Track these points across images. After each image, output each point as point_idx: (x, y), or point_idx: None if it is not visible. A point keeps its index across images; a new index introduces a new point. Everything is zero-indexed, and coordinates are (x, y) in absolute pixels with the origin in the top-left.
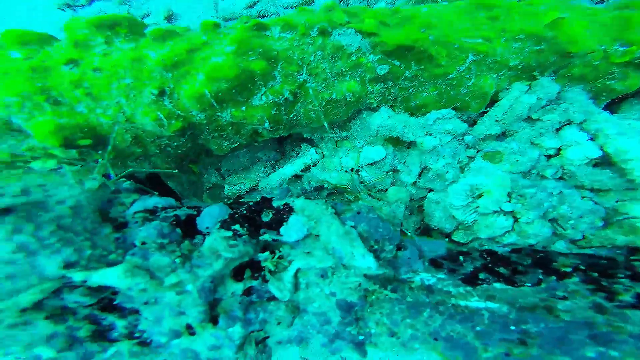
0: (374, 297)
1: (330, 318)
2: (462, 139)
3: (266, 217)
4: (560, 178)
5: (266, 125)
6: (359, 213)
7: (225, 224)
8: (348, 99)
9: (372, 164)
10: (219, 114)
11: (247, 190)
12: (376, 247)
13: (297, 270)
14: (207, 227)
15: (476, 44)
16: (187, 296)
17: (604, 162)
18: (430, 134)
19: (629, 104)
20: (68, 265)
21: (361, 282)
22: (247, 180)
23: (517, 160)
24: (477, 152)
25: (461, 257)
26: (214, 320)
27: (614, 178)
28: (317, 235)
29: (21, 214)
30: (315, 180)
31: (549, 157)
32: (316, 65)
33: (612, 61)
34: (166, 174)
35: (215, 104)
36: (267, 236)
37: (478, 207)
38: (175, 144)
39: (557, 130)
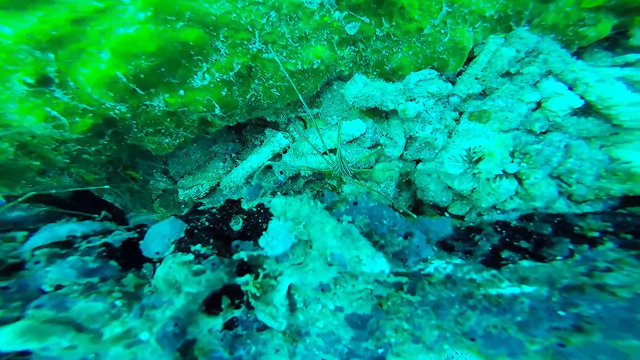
0: (389, 302)
1: (340, 336)
2: (447, 101)
3: (236, 225)
4: (548, 130)
5: (217, 111)
6: (355, 204)
7: (182, 244)
8: (315, 67)
9: (351, 141)
10: (147, 102)
11: (207, 192)
12: (382, 242)
13: (289, 287)
14: (157, 252)
15: None
16: (143, 348)
17: (583, 110)
18: (412, 99)
19: (589, 53)
20: None
21: (372, 289)
22: (205, 180)
23: (506, 118)
24: (460, 114)
25: (475, 236)
26: None
27: (600, 124)
28: (308, 240)
29: None
30: (290, 168)
31: (531, 111)
32: (272, 30)
33: (584, 6)
34: (99, 188)
35: (138, 89)
36: (242, 254)
37: (479, 172)
38: (94, 148)
39: (535, 83)
